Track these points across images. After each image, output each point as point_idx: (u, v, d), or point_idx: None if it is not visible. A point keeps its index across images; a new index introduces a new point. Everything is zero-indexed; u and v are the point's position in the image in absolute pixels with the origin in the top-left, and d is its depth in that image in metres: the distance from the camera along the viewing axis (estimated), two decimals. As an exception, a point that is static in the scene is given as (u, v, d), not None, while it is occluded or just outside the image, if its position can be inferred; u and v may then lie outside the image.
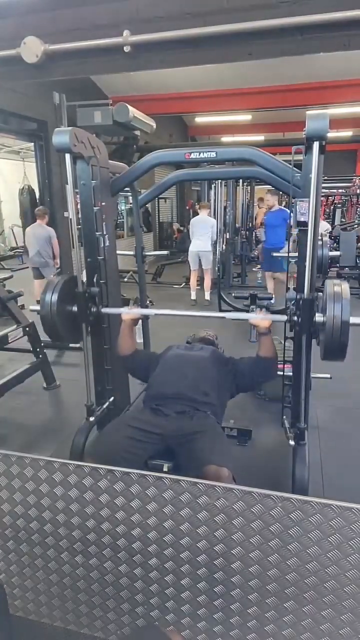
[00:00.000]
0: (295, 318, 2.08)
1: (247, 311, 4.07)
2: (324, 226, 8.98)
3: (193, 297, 6.62)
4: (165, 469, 1.87)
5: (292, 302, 2.10)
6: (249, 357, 2.29)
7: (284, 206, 6.37)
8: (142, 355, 2.47)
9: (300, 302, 2.04)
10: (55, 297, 2.21)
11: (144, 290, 3.35)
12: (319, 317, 1.98)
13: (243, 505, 1.23)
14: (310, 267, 2.02)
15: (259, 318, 2.18)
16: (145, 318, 3.23)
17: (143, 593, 1.41)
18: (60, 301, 2.23)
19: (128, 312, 2.32)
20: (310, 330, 2.06)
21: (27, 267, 7.51)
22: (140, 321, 3.25)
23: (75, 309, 2.32)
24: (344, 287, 1.93)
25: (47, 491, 1.41)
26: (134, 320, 2.36)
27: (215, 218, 7.02)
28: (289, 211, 2.33)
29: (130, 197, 4.51)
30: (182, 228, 12.82)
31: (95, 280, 2.40)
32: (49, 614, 1.54)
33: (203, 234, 6.48)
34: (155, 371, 2.25)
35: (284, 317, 2.13)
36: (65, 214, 6.80)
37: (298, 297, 2.07)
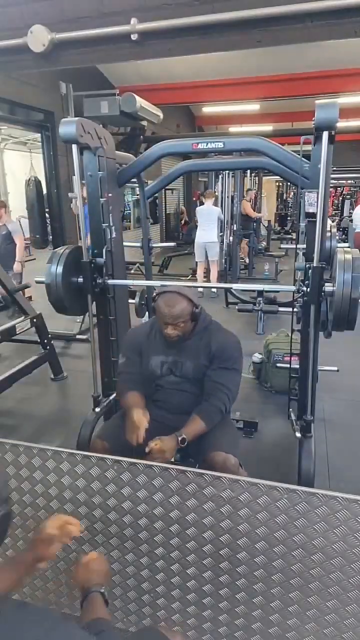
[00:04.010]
0: (305, 288, 2.07)
1: (254, 303, 4.05)
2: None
3: (200, 289, 6.60)
4: (171, 460, 1.88)
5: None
6: (212, 386, 1.85)
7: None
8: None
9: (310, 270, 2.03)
10: (60, 269, 2.27)
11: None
12: (328, 287, 1.98)
13: (249, 496, 1.23)
14: (319, 235, 2.00)
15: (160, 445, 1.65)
16: (152, 307, 3.23)
17: (149, 581, 1.43)
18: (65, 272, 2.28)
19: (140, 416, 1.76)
20: (319, 300, 2.05)
21: (34, 259, 7.53)
22: (147, 313, 3.28)
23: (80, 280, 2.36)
24: (354, 254, 1.94)
25: (55, 481, 1.43)
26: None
27: (222, 209, 6.97)
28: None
29: (137, 189, 4.48)
30: (188, 219, 12.77)
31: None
32: (56, 601, 1.56)
33: (208, 225, 6.43)
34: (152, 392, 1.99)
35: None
36: (72, 206, 6.78)
37: (307, 265, 2.07)
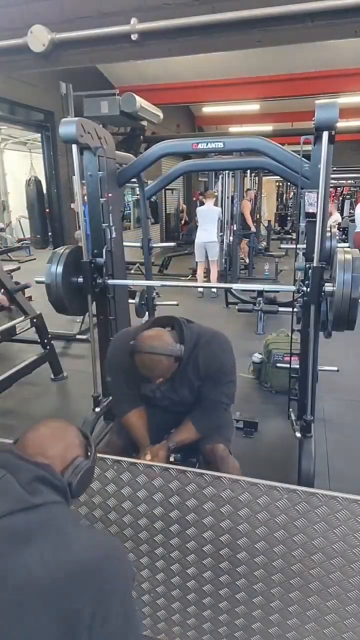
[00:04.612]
0: (305, 288, 2.07)
1: (254, 303, 4.05)
2: (335, 218, 8.88)
3: (200, 289, 6.61)
4: (171, 459, 1.88)
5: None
6: (206, 405, 1.78)
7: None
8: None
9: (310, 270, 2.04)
10: (60, 269, 2.27)
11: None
12: (328, 287, 1.98)
13: (249, 496, 1.23)
14: (320, 235, 2.00)
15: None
16: (152, 309, 3.23)
17: (149, 582, 1.43)
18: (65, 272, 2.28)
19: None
20: (319, 300, 2.05)
21: (35, 259, 7.52)
22: (147, 313, 3.28)
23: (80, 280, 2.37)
24: (354, 254, 1.94)
25: (55, 481, 1.42)
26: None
27: (222, 209, 6.97)
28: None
29: (137, 188, 4.49)
30: (188, 219, 12.76)
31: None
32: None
33: (209, 225, 6.44)
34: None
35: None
36: (72, 206, 6.78)
37: (307, 265, 2.07)
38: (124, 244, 2.86)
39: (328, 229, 2.29)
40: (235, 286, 4.56)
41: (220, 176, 7.51)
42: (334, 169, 9.30)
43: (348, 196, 13.75)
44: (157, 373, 1.61)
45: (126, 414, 1.82)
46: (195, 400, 1.79)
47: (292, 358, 2.63)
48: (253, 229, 8.24)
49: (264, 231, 10.73)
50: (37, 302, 4.19)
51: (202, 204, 7.16)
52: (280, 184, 14.11)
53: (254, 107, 9.95)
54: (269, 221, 11.94)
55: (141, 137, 7.69)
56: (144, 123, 3.96)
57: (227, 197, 7.32)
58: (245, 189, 8.71)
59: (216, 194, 7.15)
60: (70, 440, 0.96)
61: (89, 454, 0.98)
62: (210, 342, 1.76)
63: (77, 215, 4.87)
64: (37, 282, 2.43)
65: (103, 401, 2.57)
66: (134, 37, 2.30)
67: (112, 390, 1.96)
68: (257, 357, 3.57)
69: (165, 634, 1.46)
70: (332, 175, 7.55)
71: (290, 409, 2.55)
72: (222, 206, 7.16)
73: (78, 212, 2.36)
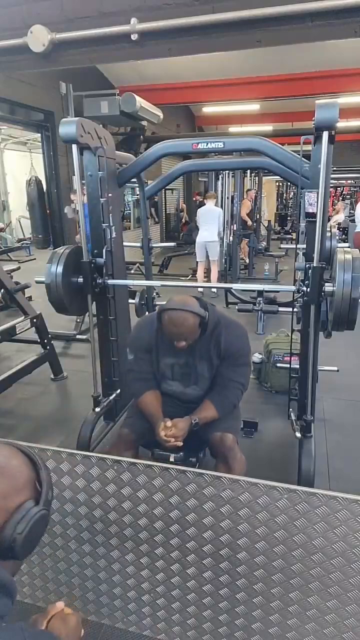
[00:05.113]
0: (305, 288, 2.07)
1: (254, 303, 4.04)
2: (337, 217, 8.85)
3: (200, 289, 6.61)
4: (171, 460, 1.88)
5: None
6: (226, 380, 1.92)
7: None
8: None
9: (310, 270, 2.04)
10: (60, 269, 2.28)
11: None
12: (328, 287, 1.98)
13: (249, 496, 1.23)
14: (320, 235, 2.00)
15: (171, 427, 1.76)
16: (152, 309, 3.23)
17: (149, 582, 1.43)
18: (65, 272, 2.28)
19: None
20: (319, 300, 2.05)
21: (35, 259, 7.53)
22: (146, 312, 3.28)
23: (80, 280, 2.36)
24: (354, 254, 1.94)
25: (55, 481, 1.43)
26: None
27: (222, 209, 6.97)
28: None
29: (137, 188, 4.49)
30: (189, 219, 12.77)
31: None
32: (56, 601, 1.56)
33: (209, 225, 6.45)
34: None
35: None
36: (72, 206, 6.78)
37: (307, 265, 2.07)
38: (124, 244, 2.86)
39: (328, 229, 2.29)
40: (235, 286, 4.54)
41: (220, 176, 7.51)
42: (334, 169, 9.30)
43: (348, 196, 13.75)
44: (183, 330, 1.75)
45: (143, 393, 1.93)
46: (210, 384, 1.93)
47: (292, 358, 2.63)
48: (250, 223, 8.24)
49: (264, 231, 10.73)
50: (37, 302, 4.19)
51: (202, 204, 7.15)
52: (280, 184, 14.10)
53: (254, 107, 9.94)
54: (269, 221, 11.94)
55: (141, 137, 7.69)
56: (144, 123, 3.97)
57: (227, 198, 7.32)
58: (245, 189, 8.70)
59: (215, 196, 7.15)
60: (14, 478, 0.71)
61: (40, 491, 0.74)
62: (231, 325, 1.94)
63: (77, 216, 4.87)
64: (37, 282, 2.43)
65: (103, 401, 2.57)
66: (134, 37, 2.31)
67: (131, 368, 2.03)
68: (257, 357, 3.57)
69: (165, 634, 1.46)
70: (332, 175, 7.54)
71: (290, 409, 2.55)
72: (222, 206, 7.16)
73: (78, 211, 2.35)
